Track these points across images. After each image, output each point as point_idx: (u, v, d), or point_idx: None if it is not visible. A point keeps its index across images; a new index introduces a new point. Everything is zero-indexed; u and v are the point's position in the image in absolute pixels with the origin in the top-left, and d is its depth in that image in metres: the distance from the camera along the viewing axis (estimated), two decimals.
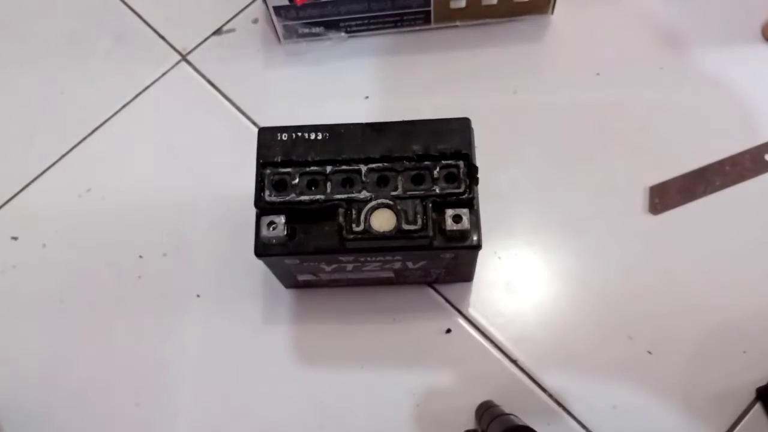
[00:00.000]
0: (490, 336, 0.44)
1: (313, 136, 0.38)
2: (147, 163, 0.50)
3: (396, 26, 0.51)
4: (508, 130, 0.49)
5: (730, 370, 0.43)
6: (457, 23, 0.52)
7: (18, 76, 0.53)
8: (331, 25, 0.51)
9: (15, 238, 0.48)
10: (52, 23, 0.55)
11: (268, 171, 0.37)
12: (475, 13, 0.51)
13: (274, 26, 0.50)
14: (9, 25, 0.55)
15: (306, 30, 0.50)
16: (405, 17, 0.50)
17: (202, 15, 0.54)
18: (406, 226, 0.36)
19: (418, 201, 0.36)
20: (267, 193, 0.37)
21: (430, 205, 0.36)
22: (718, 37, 0.51)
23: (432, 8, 0.50)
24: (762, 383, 0.42)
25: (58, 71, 0.53)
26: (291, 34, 0.51)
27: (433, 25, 0.52)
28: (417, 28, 0.52)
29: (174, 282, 0.46)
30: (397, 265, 0.40)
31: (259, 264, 0.39)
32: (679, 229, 0.46)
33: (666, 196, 0.47)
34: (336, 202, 0.36)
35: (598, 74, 0.50)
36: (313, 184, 0.37)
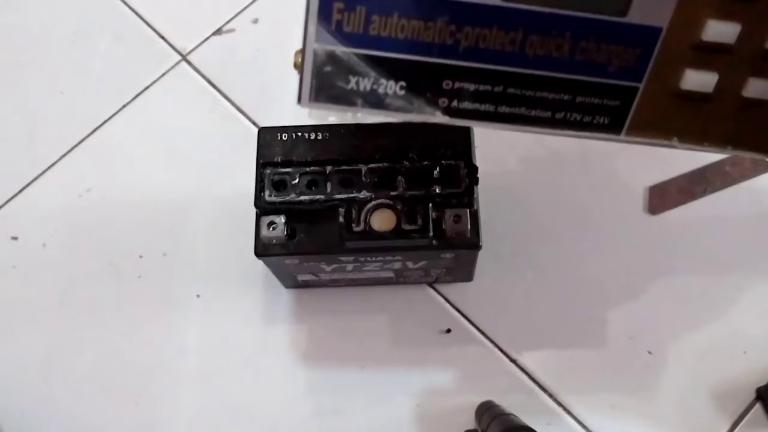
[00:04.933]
0: (490, 336, 0.44)
1: (313, 136, 0.38)
2: (147, 162, 0.50)
3: None
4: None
5: (730, 370, 0.43)
6: None
7: (18, 76, 0.53)
8: None
9: (15, 238, 0.48)
10: (52, 23, 0.55)
11: (268, 171, 0.37)
12: None
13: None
14: (9, 24, 0.55)
15: None
16: None
17: (202, 15, 0.54)
18: (406, 226, 0.36)
19: (418, 201, 0.36)
20: (267, 193, 0.37)
21: (430, 205, 0.36)
22: None
23: None
24: (762, 383, 0.42)
25: (58, 71, 0.53)
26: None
27: None
28: None
29: (174, 282, 0.46)
30: (397, 265, 0.40)
31: (259, 264, 0.39)
32: (679, 229, 0.46)
33: (666, 196, 0.47)
34: (336, 202, 0.36)
35: None
36: (313, 184, 0.37)
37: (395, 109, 0.28)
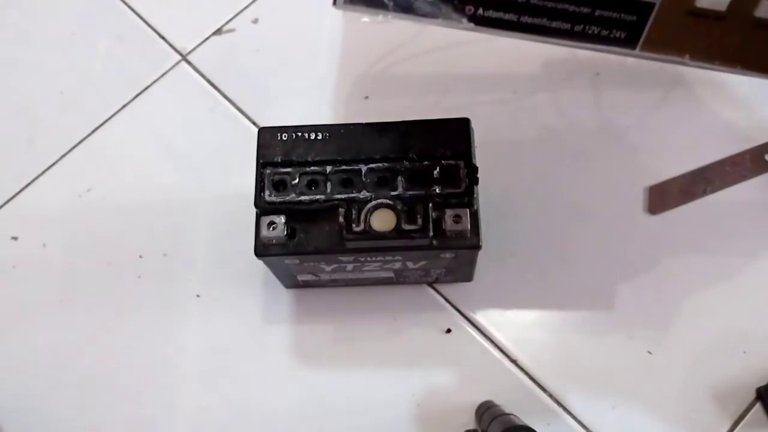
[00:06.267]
0: (490, 336, 0.44)
1: (313, 136, 0.38)
2: (147, 163, 0.50)
3: None
4: (508, 130, 0.49)
5: (730, 370, 0.43)
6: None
7: (18, 76, 0.53)
8: None
9: (15, 238, 0.48)
10: (52, 23, 0.55)
11: (268, 171, 0.37)
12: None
13: None
14: (9, 24, 0.55)
15: None
16: None
17: (202, 15, 0.54)
18: (406, 226, 0.36)
19: (418, 201, 0.36)
20: (267, 193, 0.37)
21: (430, 205, 0.36)
22: None
23: None
24: (762, 383, 0.42)
25: (58, 71, 0.53)
26: None
27: None
28: None
29: (174, 282, 0.46)
30: (397, 265, 0.40)
31: (259, 264, 0.39)
32: (678, 229, 0.46)
33: (666, 196, 0.47)
34: (336, 202, 0.36)
35: (597, 74, 0.50)
36: (313, 184, 0.37)
37: (423, 14, 0.29)
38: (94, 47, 0.54)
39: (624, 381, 0.43)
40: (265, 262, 0.39)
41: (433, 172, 0.36)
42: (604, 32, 0.30)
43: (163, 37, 0.54)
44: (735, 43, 0.30)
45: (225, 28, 0.54)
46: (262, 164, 0.37)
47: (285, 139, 0.38)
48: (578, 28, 0.30)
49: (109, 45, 0.54)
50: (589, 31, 0.30)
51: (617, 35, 0.30)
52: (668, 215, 0.47)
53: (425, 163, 0.37)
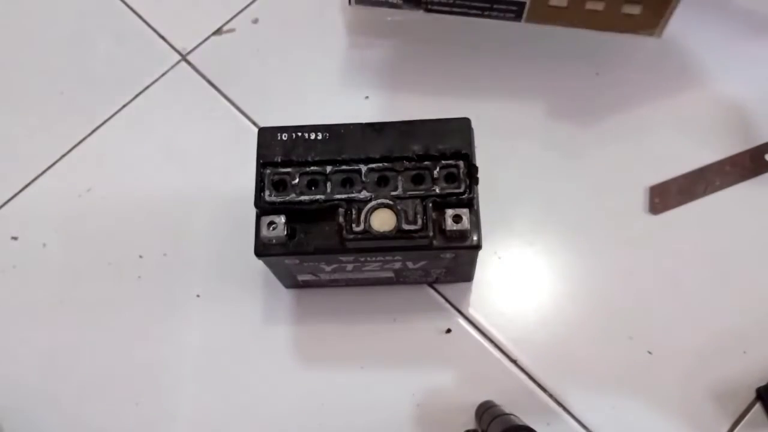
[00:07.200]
0: (490, 336, 0.44)
1: (313, 136, 0.38)
2: (147, 163, 0.50)
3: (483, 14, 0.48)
4: (508, 130, 0.49)
5: (730, 370, 0.43)
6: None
7: (18, 76, 0.53)
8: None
9: (15, 238, 0.48)
10: (51, 23, 0.55)
11: (268, 171, 0.37)
12: (575, 18, 0.47)
13: None
14: (9, 25, 0.55)
15: None
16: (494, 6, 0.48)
17: (202, 15, 0.54)
18: (406, 226, 0.36)
19: (418, 201, 0.36)
20: (267, 193, 0.37)
21: (430, 205, 0.36)
22: (716, 36, 0.51)
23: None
24: (762, 383, 0.42)
25: (58, 71, 0.53)
26: None
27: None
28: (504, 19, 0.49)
29: (174, 282, 0.46)
30: (397, 265, 0.40)
31: (259, 264, 0.39)
32: (679, 229, 0.46)
33: (666, 196, 0.47)
34: (336, 202, 0.36)
35: (597, 74, 0.50)
36: (313, 184, 0.37)
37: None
38: (94, 47, 0.54)
39: (624, 381, 0.43)
40: (265, 262, 0.39)
41: (433, 172, 0.37)
42: (501, 14, 0.47)
43: (163, 37, 0.54)
44: (584, 13, 0.46)
45: (225, 28, 0.54)
46: (262, 164, 0.37)
47: (285, 139, 0.38)
48: (486, 12, 0.47)
49: (109, 45, 0.54)
50: (493, 14, 0.47)
51: (510, 15, 0.47)
52: (668, 215, 0.47)
53: (425, 163, 0.37)
